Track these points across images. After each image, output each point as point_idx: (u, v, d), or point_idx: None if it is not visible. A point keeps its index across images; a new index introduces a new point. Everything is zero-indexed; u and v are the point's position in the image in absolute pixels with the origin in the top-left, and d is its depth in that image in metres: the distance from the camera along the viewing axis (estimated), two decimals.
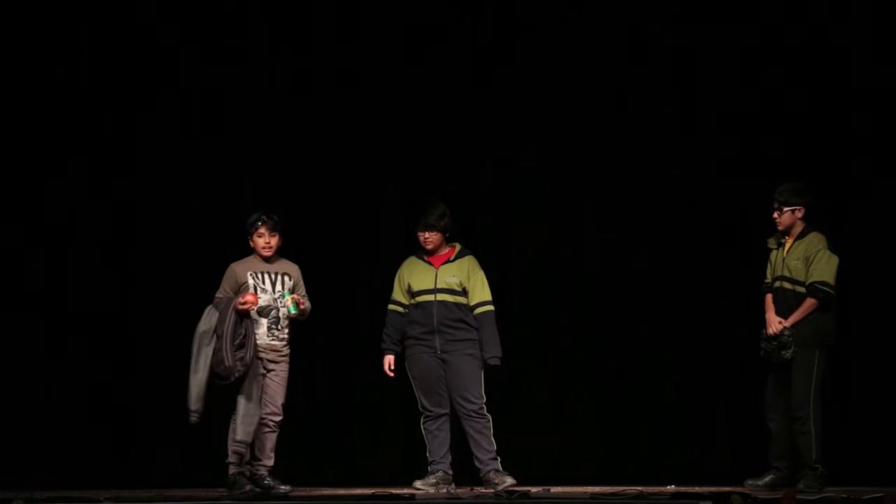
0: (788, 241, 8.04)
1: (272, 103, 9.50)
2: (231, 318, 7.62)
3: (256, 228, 7.84)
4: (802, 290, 7.91)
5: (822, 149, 9.11)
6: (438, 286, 8.06)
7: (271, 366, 7.78)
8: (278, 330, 7.79)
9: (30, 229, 9.33)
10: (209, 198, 9.39)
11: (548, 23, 9.46)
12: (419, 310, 8.09)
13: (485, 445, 7.99)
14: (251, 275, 7.80)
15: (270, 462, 7.80)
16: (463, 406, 8.00)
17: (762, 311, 8.07)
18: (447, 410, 8.07)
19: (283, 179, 9.43)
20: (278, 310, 7.79)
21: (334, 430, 9.44)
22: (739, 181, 9.17)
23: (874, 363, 8.95)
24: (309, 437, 9.28)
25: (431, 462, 8.07)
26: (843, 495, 7.07)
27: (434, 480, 7.99)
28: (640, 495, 7.35)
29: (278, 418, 7.80)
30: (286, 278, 7.86)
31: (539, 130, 9.51)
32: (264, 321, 7.76)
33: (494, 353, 8.04)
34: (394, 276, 8.23)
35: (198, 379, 7.59)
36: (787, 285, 7.98)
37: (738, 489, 7.53)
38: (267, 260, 7.86)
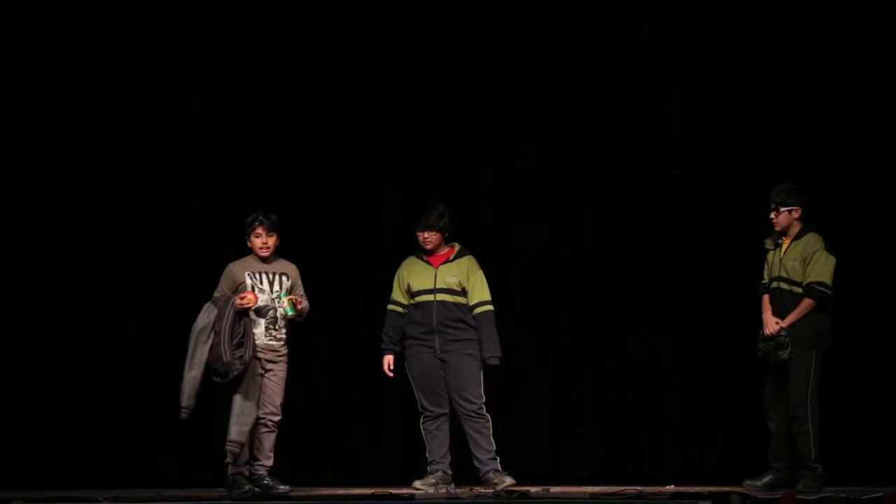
0: (785, 242, 8.04)
1: (272, 103, 9.50)
2: (229, 315, 7.62)
3: (254, 228, 7.84)
4: (799, 290, 7.91)
5: (821, 148, 9.12)
6: (438, 286, 8.06)
7: (269, 366, 7.78)
8: (276, 330, 7.79)
9: (30, 229, 9.33)
10: (209, 198, 9.39)
11: (548, 22, 9.46)
12: (418, 310, 8.09)
13: (484, 445, 7.99)
14: (249, 275, 7.80)
15: (270, 462, 7.80)
16: (462, 406, 8.00)
17: (760, 312, 8.08)
18: (446, 410, 8.07)
19: (283, 179, 9.43)
20: (276, 310, 7.79)
21: (333, 430, 9.44)
22: (739, 181, 9.17)
23: (873, 363, 8.94)
24: (308, 437, 9.29)
25: (431, 462, 8.07)
26: (843, 495, 7.06)
27: (433, 480, 7.99)
28: (639, 495, 7.35)
29: (277, 418, 7.80)
30: (284, 278, 7.86)
31: (539, 130, 9.51)
32: (262, 321, 7.76)
33: (494, 352, 8.04)
34: (393, 276, 8.23)
35: (192, 376, 7.59)
36: (784, 286, 7.98)
37: (738, 489, 7.53)
38: (265, 260, 7.86)
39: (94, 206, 9.39)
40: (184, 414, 7.63)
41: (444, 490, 7.87)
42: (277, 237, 7.86)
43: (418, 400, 8.13)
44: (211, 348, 7.58)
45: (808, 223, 8.02)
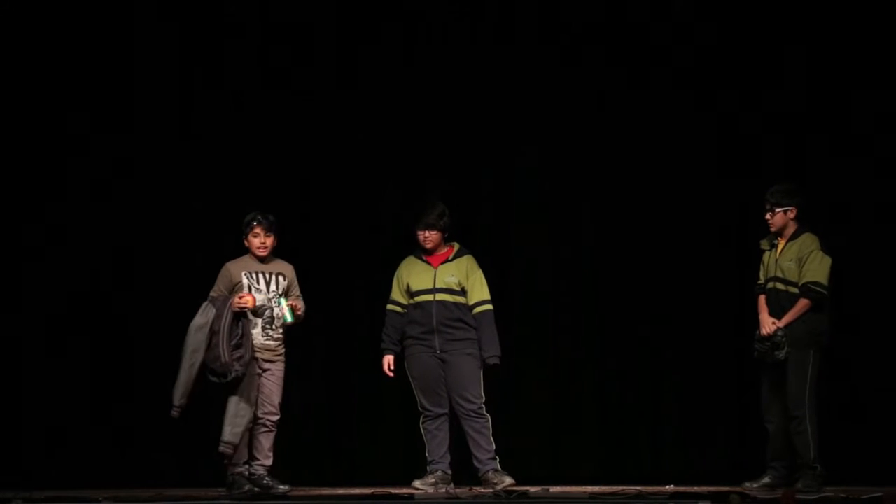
0: (781, 242, 8.04)
1: (272, 103, 9.50)
2: (228, 315, 7.62)
3: (252, 228, 7.83)
4: (796, 290, 7.91)
5: (820, 149, 9.12)
6: (437, 286, 8.06)
7: (267, 365, 7.77)
8: (273, 330, 7.78)
9: (29, 229, 9.33)
10: (209, 198, 9.39)
11: (548, 23, 9.46)
12: (418, 310, 8.09)
13: (484, 445, 7.98)
14: (246, 274, 7.79)
15: (269, 462, 7.80)
16: (462, 406, 8.00)
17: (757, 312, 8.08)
18: (446, 410, 8.07)
19: (282, 179, 9.43)
20: (272, 309, 7.78)
21: (333, 430, 9.44)
22: (738, 181, 9.16)
23: (872, 363, 8.94)
24: (308, 437, 9.30)
25: (430, 462, 8.07)
26: (842, 495, 7.06)
27: (433, 480, 7.99)
28: (639, 495, 7.35)
29: (276, 418, 7.80)
30: (280, 278, 7.86)
31: (539, 130, 9.51)
32: (259, 321, 7.76)
33: (493, 352, 8.04)
34: (392, 275, 8.23)
35: (187, 375, 7.59)
36: (780, 286, 7.98)
37: (737, 489, 7.53)
38: (262, 260, 7.85)
39: (94, 205, 9.38)
40: (175, 412, 7.61)
41: (443, 490, 7.87)
42: (275, 237, 7.85)
43: (418, 400, 8.13)
44: (209, 348, 7.57)
45: (804, 223, 8.02)
